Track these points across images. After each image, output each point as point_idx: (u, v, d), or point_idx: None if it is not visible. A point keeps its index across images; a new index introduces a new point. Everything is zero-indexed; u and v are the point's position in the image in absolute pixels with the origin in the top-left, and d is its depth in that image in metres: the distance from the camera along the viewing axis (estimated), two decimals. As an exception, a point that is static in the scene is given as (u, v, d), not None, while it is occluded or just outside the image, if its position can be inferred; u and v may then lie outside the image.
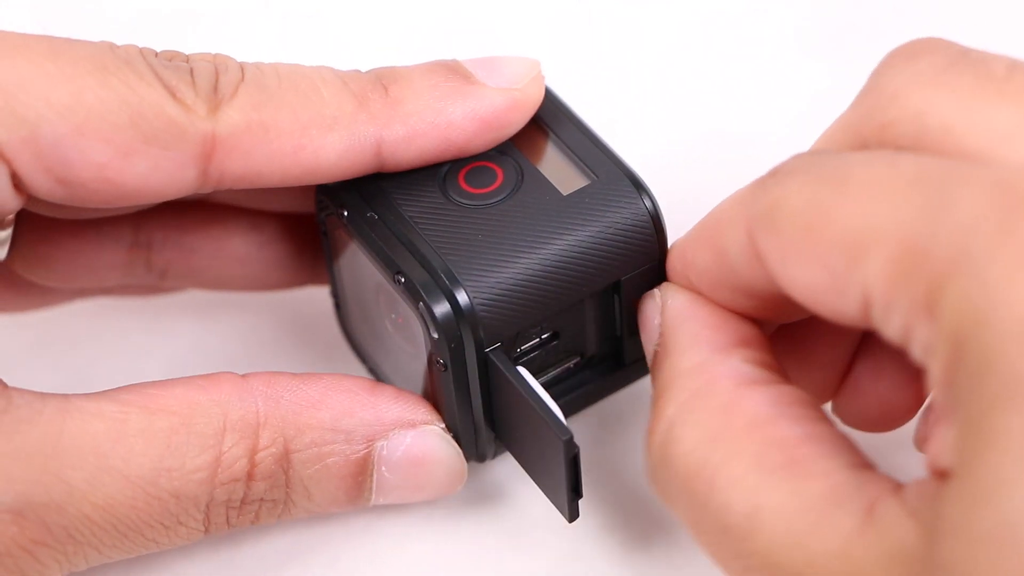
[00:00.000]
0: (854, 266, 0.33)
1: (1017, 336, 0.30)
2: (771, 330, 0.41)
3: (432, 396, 0.43)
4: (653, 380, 0.39)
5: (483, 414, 0.42)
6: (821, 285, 0.34)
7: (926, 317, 0.32)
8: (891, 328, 0.33)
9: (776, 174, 0.36)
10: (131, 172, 0.39)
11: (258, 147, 0.40)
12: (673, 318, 0.39)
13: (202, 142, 0.40)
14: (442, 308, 0.40)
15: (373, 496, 0.43)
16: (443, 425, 0.43)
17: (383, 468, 0.42)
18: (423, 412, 0.43)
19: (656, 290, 0.41)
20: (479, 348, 0.41)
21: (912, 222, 0.32)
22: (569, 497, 0.41)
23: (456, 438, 0.43)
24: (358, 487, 0.42)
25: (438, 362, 0.41)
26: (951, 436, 0.31)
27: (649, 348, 0.40)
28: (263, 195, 0.47)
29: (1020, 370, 0.29)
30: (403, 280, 0.41)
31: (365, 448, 0.42)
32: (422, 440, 0.42)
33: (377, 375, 0.47)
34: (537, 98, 0.43)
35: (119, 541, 0.40)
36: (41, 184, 0.39)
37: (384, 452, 0.42)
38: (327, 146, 0.41)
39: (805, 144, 0.54)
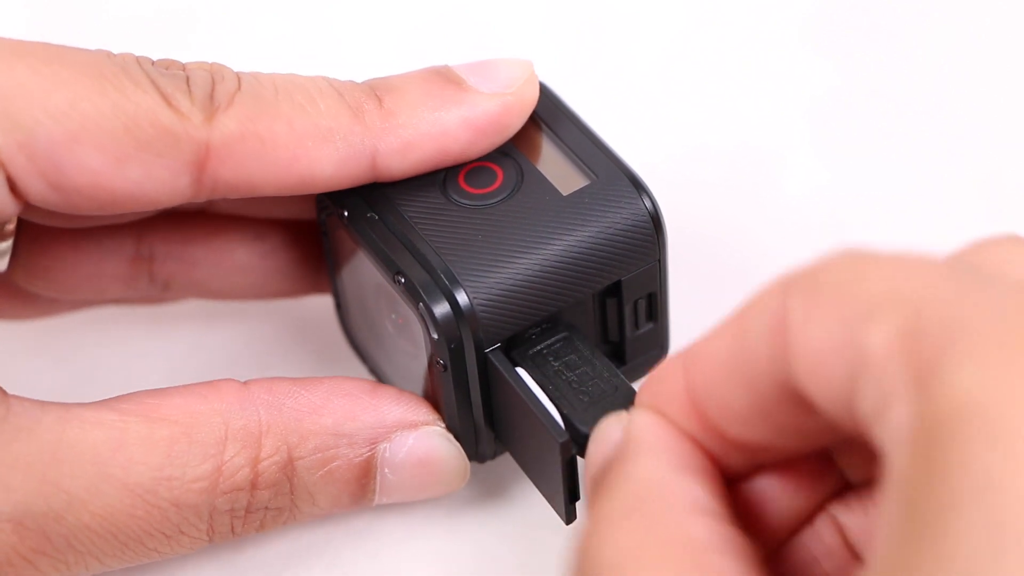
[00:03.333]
0: (866, 322, 0.31)
1: (1005, 439, 0.27)
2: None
3: (432, 396, 0.43)
4: (596, 486, 0.36)
5: (483, 415, 0.42)
6: (828, 345, 0.31)
7: (914, 391, 0.29)
8: (868, 400, 0.31)
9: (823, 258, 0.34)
10: (125, 179, 0.39)
11: (253, 157, 0.40)
12: (639, 431, 0.36)
13: (196, 150, 0.39)
14: (442, 308, 0.40)
15: (376, 497, 0.43)
16: (444, 425, 0.43)
17: (386, 470, 0.42)
18: (424, 413, 0.43)
19: (621, 411, 0.38)
20: (479, 349, 0.41)
21: (938, 295, 0.30)
22: (567, 499, 0.41)
23: (456, 438, 0.43)
24: (362, 489, 0.42)
25: (438, 362, 0.41)
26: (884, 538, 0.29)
27: (598, 460, 0.37)
28: (264, 203, 0.47)
29: (992, 472, 0.27)
30: (403, 280, 0.41)
31: (368, 451, 0.42)
32: (424, 441, 0.42)
33: (378, 375, 0.47)
34: (531, 100, 0.43)
35: (119, 550, 0.40)
36: (36, 189, 0.39)
37: (387, 454, 0.42)
38: (323, 158, 0.41)
39: (808, 142, 0.55)
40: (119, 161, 0.39)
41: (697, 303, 0.49)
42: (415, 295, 0.40)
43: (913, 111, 0.55)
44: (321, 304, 0.49)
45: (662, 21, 0.59)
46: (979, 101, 0.55)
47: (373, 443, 0.42)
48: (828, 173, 0.54)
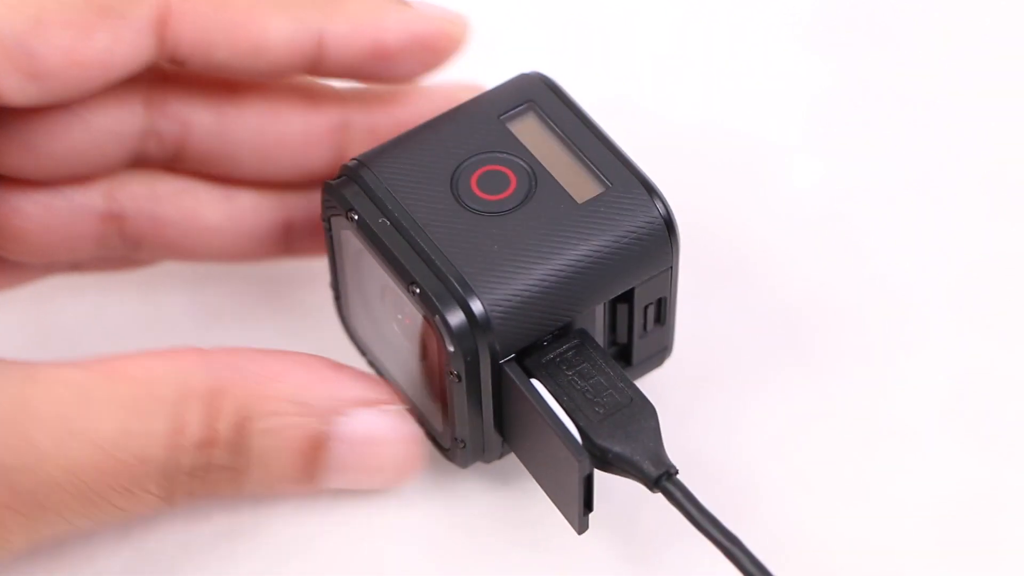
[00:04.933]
0: None
1: None
2: None
3: (440, 399, 0.43)
4: None
5: (492, 421, 0.42)
6: None
7: None
8: None
9: None
10: (95, 48, 0.41)
11: (210, 15, 0.43)
12: None
13: (157, 5, 0.42)
14: (458, 320, 0.40)
15: (329, 473, 0.43)
16: (404, 406, 0.43)
17: (340, 445, 0.42)
18: (385, 393, 0.43)
19: None
20: (494, 360, 0.40)
21: None
22: (580, 512, 0.41)
23: (464, 445, 0.43)
24: (314, 462, 0.42)
25: (451, 373, 0.41)
26: None
27: None
28: (234, 156, 0.46)
29: None
30: (418, 291, 0.40)
31: (323, 423, 0.42)
32: (380, 419, 0.43)
33: (378, 370, 0.46)
34: (461, 38, 0.45)
35: (85, 507, 0.40)
36: (13, 84, 0.41)
37: (341, 428, 0.42)
38: (275, 27, 0.43)
39: (809, 139, 0.54)
40: (86, 32, 0.41)
41: (696, 299, 0.49)
42: (431, 306, 0.40)
43: (913, 108, 0.55)
44: (320, 299, 0.49)
45: (662, 17, 0.59)
46: (979, 98, 0.55)
47: (328, 415, 0.42)
48: (828, 169, 0.54)
